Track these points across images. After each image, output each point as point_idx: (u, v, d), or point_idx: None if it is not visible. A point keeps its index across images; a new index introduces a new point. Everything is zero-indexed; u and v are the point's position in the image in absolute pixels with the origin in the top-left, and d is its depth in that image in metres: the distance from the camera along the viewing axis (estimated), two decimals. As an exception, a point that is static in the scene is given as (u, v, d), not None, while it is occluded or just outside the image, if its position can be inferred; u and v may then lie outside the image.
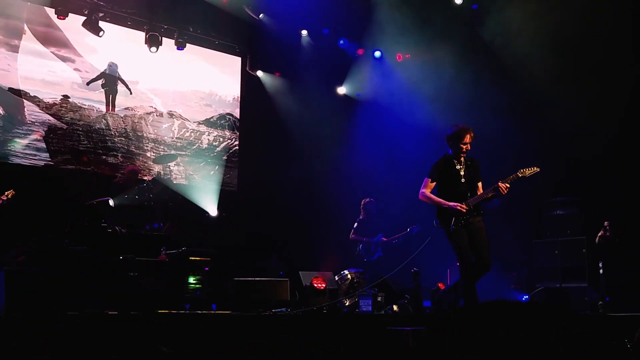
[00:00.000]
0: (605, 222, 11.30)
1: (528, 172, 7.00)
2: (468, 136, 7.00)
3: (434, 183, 7.10)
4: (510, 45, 11.81)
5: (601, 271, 11.11)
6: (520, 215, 12.61)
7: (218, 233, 11.04)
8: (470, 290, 6.97)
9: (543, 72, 11.28)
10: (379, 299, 7.69)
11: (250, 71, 13.32)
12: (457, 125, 7.08)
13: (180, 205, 11.08)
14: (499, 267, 12.10)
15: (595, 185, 11.67)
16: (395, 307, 8.07)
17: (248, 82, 13.30)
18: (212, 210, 11.87)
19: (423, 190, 7.06)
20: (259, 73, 13.34)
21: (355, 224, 10.76)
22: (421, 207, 10.29)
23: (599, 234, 11.35)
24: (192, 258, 8.61)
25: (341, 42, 13.63)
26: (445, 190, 7.09)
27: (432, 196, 7.04)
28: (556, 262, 11.85)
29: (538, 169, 7.02)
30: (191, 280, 8.48)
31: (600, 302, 11.06)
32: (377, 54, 13.80)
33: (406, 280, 9.01)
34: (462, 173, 7.06)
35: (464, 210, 6.86)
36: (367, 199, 10.96)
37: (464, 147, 7.01)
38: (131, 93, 11.83)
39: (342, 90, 13.96)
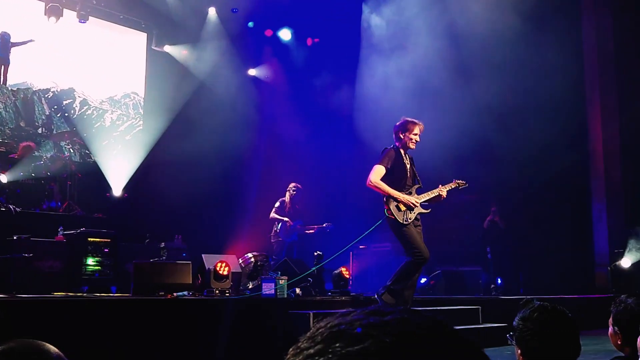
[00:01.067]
0: (492, 208, 11.87)
1: (461, 184, 7.16)
2: (417, 128, 6.77)
3: (384, 172, 6.71)
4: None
5: (489, 255, 11.70)
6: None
7: (120, 214, 10.79)
8: (414, 283, 7.12)
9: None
10: (282, 282, 7.75)
11: (156, 48, 12.98)
12: (405, 117, 6.85)
13: (80, 184, 10.72)
14: (399, 250, 12.47)
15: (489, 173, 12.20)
16: (298, 290, 8.17)
17: (153, 60, 12.96)
18: (115, 190, 11.57)
19: (374, 178, 6.62)
20: (166, 48, 13.00)
21: (277, 203, 10.77)
22: (335, 202, 10.54)
23: (487, 219, 11.91)
24: (91, 239, 8.40)
25: (250, 24, 13.52)
26: (391, 182, 6.69)
27: (385, 185, 6.62)
28: (454, 246, 12.34)
29: (467, 185, 7.25)
30: (89, 262, 8.27)
31: (493, 285, 11.63)
32: (287, 37, 13.80)
33: (309, 264, 9.13)
34: (407, 167, 6.82)
35: (416, 206, 6.68)
36: (294, 184, 11.00)
37: (414, 138, 6.77)
38: (25, 66, 11.29)
39: (252, 72, 13.89)
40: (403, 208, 6.63)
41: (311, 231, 10.76)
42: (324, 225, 10.78)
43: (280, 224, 10.67)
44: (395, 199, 6.60)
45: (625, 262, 12.01)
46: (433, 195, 6.83)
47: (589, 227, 13.62)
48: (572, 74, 13.13)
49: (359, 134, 12.81)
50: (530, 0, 11.90)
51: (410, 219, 6.64)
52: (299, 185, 10.93)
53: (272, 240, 10.67)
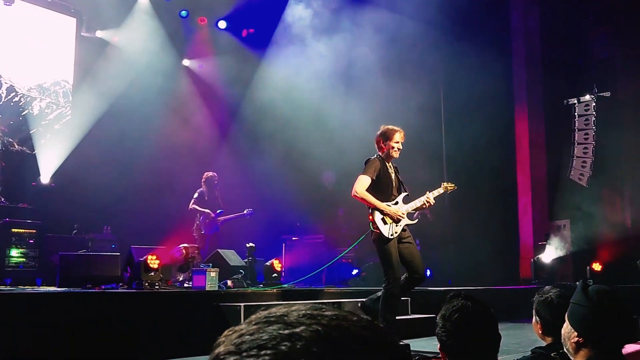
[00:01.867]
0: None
1: (450, 188, 6.90)
2: (398, 135, 6.48)
3: (370, 182, 6.37)
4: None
5: (419, 247, 11.94)
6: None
7: (46, 204, 10.48)
8: (398, 301, 6.63)
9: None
10: (213, 274, 7.71)
11: (85, 34, 12.61)
12: (385, 125, 6.58)
13: (3, 173, 10.37)
14: (333, 243, 12.61)
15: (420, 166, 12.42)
16: (229, 282, 8.15)
17: (83, 46, 12.59)
18: (42, 179, 11.23)
19: (360, 189, 6.29)
20: (98, 34, 12.65)
21: (196, 194, 10.62)
22: (255, 190, 10.51)
23: (417, 212, 12.15)
24: (15, 230, 8.17)
25: (183, 12, 13.30)
26: (377, 193, 6.37)
27: (371, 197, 6.28)
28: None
29: (456, 188, 7.00)
30: (13, 253, 8.06)
31: (422, 277, 11.87)
32: (222, 24, 13.68)
33: (241, 255, 9.12)
34: (392, 177, 6.55)
35: (402, 218, 6.38)
36: (210, 173, 10.85)
37: (397, 146, 6.49)
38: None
39: (186, 62, 13.70)
40: (389, 221, 6.30)
41: (228, 217, 10.46)
42: (245, 212, 10.54)
43: (201, 217, 10.50)
44: (381, 212, 6.29)
45: (547, 254, 12.48)
46: (420, 203, 6.58)
47: (516, 221, 14.09)
48: (501, 72, 13.53)
49: (281, 126, 12.93)
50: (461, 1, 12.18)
51: (396, 232, 6.32)
52: (214, 174, 10.73)
53: (194, 234, 10.49)
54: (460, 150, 12.99)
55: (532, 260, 12.70)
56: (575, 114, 13.62)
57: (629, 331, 2.80)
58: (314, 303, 0.83)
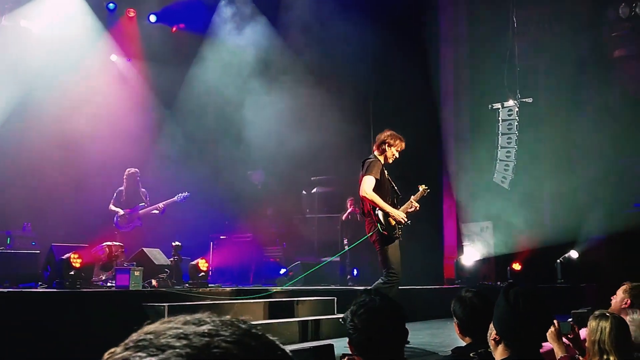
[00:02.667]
0: (348, 199, 12.25)
1: (426, 190, 7.10)
2: (401, 145, 6.71)
3: (374, 182, 6.53)
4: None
5: (346, 247, 12.07)
6: (282, 192, 13.16)
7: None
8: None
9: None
10: (137, 273, 7.57)
11: (5, 22, 12.04)
12: (392, 131, 6.75)
13: None
14: (262, 241, 12.60)
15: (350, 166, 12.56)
16: (154, 282, 8.02)
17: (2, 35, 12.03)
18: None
19: (369, 190, 6.46)
20: (22, 23, 12.09)
21: (115, 194, 10.38)
22: (182, 188, 10.33)
23: (348, 211, 12.27)
24: None
25: (110, 5, 12.93)
26: (379, 195, 6.56)
27: (380, 200, 6.47)
28: (313, 237, 12.61)
29: (429, 189, 7.18)
30: None
31: (349, 276, 12.01)
32: (153, 18, 13.43)
33: (166, 254, 8.97)
34: (389, 180, 6.78)
35: (405, 221, 6.62)
36: (132, 169, 10.59)
37: (396, 154, 6.73)
38: None
39: (113, 57, 13.32)
40: (393, 223, 6.54)
41: (157, 211, 10.20)
42: (177, 198, 10.12)
43: (116, 216, 10.25)
44: (388, 213, 6.48)
45: (470, 255, 12.83)
46: (411, 208, 6.82)
47: (441, 222, 14.40)
48: (429, 77, 13.81)
49: (211, 124, 12.85)
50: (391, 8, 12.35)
51: (399, 234, 6.58)
52: (136, 170, 10.48)
53: (116, 232, 10.23)
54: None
55: (455, 261, 13.03)
56: (499, 118, 14.02)
57: (544, 331, 2.93)
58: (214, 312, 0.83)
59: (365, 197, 6.48)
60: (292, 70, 12.74)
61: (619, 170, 13.34)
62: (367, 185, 6.46)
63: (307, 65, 12.70)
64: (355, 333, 2.52)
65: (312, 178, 13.27)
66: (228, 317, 0.82)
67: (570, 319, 4.95)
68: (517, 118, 13.69)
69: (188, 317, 0.81)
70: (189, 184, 10.85)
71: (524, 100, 14.00)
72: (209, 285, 8.71)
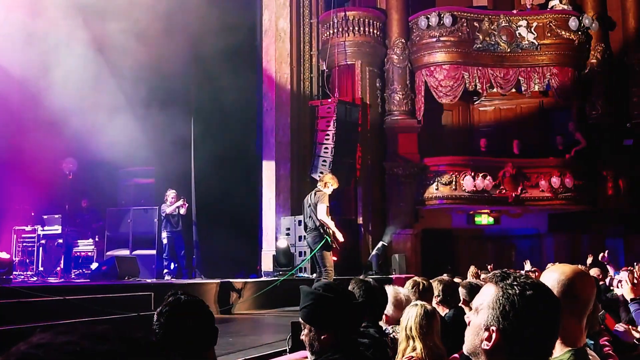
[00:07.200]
0: (181, 197, 12.03)
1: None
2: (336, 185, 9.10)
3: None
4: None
5: (165, 240, 11.82)
6: (97, 182, 12.56)
7: None
8: None
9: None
10: None
11: None
12: (333, 176, 9.19)
13: None
14: (77, 235, 11.91)
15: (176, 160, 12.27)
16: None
17: None
18: None
19: (327, 215, 8.76)
20: None
21: None
22: None
23: (176, 205, 12.00)
24: None
25: None
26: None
27: (333, 224, 8.84)
28: (128, 230, 12.14)
29: None
30: None
31: (166, 270, 11.75)
32: None
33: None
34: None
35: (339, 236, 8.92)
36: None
37: (334, 190, 9.10)
38: None
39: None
40: (330, 237, 8.81)
41: None
42: None
43: None
44: (333, 232, 8.81)
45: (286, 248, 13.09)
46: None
47: (261, 215, 14.58)
48: (251, 72, 13.89)
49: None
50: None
51: (334, 245, 8.95)
52: None
53: None
54: (213, 147, 12.95)
55: (273, 254, 13.23)
56: (318, 115, 14.43)
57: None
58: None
59: (322, 220, 8.71)
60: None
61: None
62: (322, 212, 8.72)
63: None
64: (161, 330, 2.49)
65: (128, 169, 12.76)
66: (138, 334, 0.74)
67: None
68: (334, 116, 14.11)
69: (87, 331, 0.71)
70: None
71: (342, 99, 14.56)
72: (13, 281, 8.05)
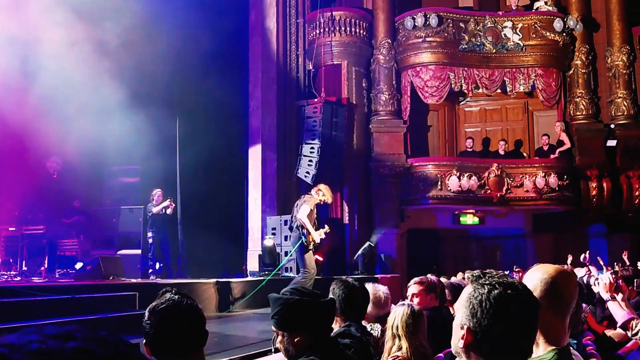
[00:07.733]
0: (168, 198, 11.99)
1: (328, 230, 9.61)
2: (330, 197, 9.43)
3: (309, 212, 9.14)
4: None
5: (151, 240, 11.76)
6: (83, 182, 12.46)
7: None
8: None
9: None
10: None
11: None
12: (327, 187, 9.36)
13: None
14: (60, 235, 11.81)
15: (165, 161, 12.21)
16: None
17: None
18: None
19: (304, 215, 9.02)
20: None
21: None
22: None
23: (164, 205, 11.94)
24: None
25: None
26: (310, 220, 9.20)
27: (309, 224, 9.05)
28: (113, 229, 12.07)
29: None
30: None
31: (151, 270, 11.69)
32: None
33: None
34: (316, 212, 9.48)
35: (316, 242, 9.23)
36: None
37: (326, 201, 9.47)
38: None
39: None
40: (311, 240, 9.12)
41: None
42: None
43: None
44: (309, 233, 9.06)
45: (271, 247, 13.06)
46: (322, 235, 9.37)
47: (246, 215, 14.54)
48: (238, 74, 13.86)
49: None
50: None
51: (312, 247, 9.21)
52: None
53: None
54: (199, 147, 12.91)
55: (259, 254, 13.20)
56: (304, 115, 14.43)
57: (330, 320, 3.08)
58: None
59: (301, 219, 8.99)
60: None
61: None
62: (303, 212, 9.03)
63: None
64: (152, 330, 2.47)
65: (113, 168, 12.68)
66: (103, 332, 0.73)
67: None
68: (321, 115, 14.13)
69: (54, 330, 0.71)
70: None
71: (328, 99, 14.56)
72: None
